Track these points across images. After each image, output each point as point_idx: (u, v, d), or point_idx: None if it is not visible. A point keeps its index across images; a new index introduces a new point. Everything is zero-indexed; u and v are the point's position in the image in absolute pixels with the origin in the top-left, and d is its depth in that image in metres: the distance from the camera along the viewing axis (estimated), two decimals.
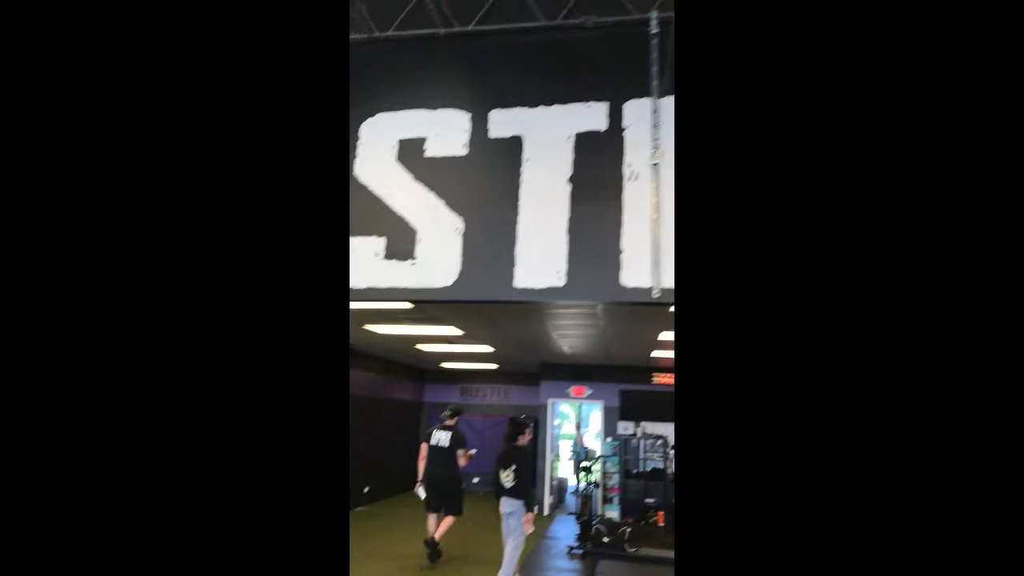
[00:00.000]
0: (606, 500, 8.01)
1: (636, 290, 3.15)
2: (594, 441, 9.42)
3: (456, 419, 5.58)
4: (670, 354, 7.22)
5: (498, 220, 3.36)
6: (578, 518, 6.43)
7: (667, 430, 8.55)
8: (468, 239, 3.37)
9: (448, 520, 5.26)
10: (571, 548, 6.10)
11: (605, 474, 8.08)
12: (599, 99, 3.39)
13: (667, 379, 8.64)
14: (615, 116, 3.36)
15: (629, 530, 4.86)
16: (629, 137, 3.32)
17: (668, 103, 3.28)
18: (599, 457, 8.15)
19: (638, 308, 3.72)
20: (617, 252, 3.20)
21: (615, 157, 3.31)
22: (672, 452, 8.21)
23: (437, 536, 5.19)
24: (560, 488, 9.37)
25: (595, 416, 9.63)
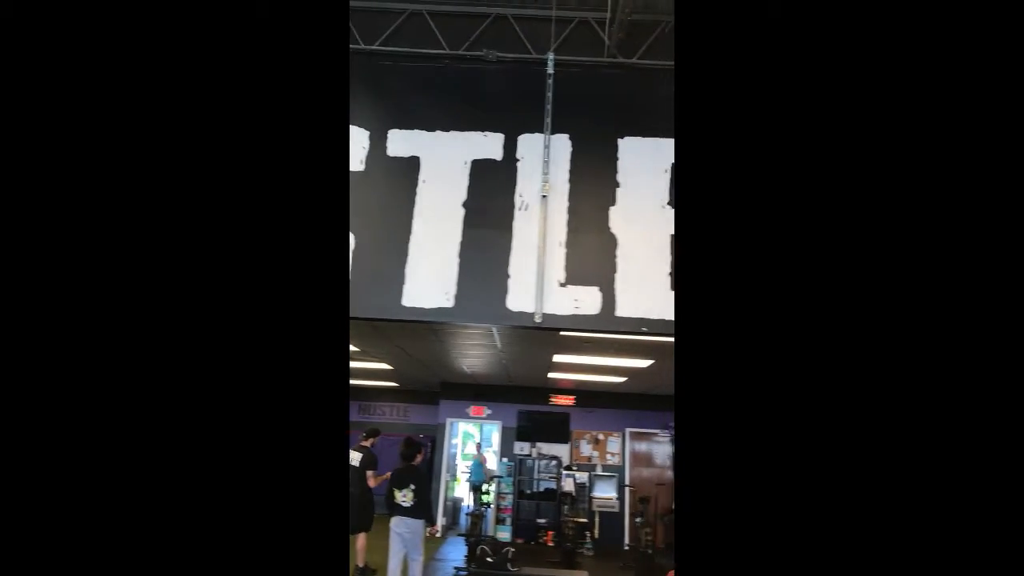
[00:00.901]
0: (499, 521, 8.07)
1: (521, 314, 3.27)
2: (495, 461, 9.49)
3: (372, 440, 5.54)
4: (566, 376, 7.48)
5: (390, 238, 3.38)
6: (467, 539, 6.42)
7: (562, 451, 8.79)
8: (359, 255, 3.35)
9: (362, 538, 5.16)
10: (457, 570, 6.08)
11: (499, 494, 8.15)
12: (496, 130, 3.53)
13: (563, 400, 8.92)
14: (510, 147, 3.52)
15: (513, 550, 4.94)
16: (522, 168, 3.48)
17: (558, 140, 3.48)
18: (494, 477, 8.22)
19: (532, 331, 3.86)
20: (505, 277, 3.32)
21: (508, 186, 3.45)
22: (564, 473, 8.45)
23: (361, 561, 5.09)
24: (455, 509, 9.31)
25: (496, 437, 9.72)
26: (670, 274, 3.27)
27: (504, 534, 7.77)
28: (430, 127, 3.51)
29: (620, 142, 3.50)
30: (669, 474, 9.19)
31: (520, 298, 3.28)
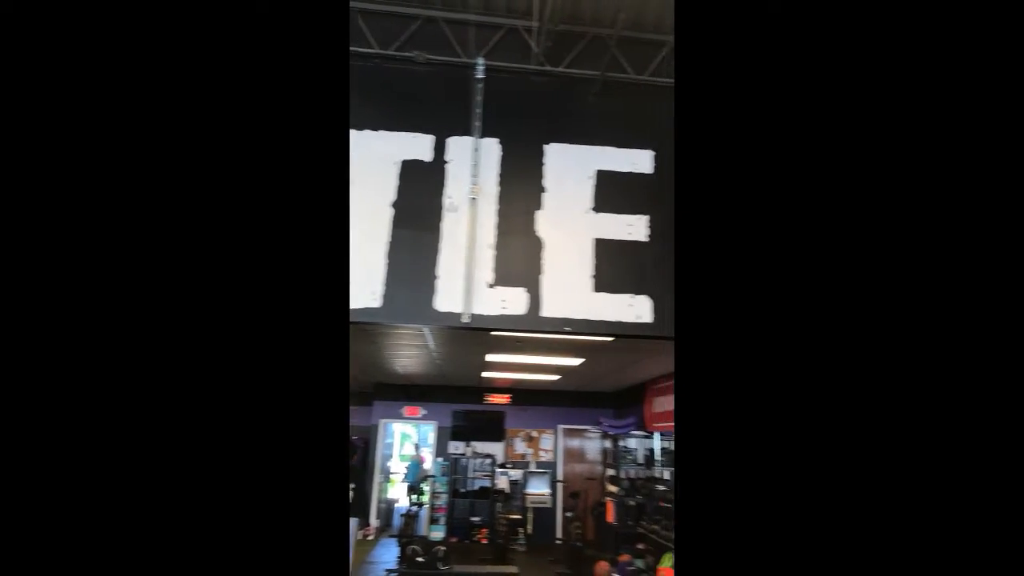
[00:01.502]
0: (433, 520, 8.06)
1: (449, 314, 3.31)
2: (431, 461, 9.45)
3: None
4: (501, 375, 7.57)
5: None
6: (399, 540, 6.39)
7: (497, 449, 8.88)
8: None
9: None
10: (388, 572, 6.03)
11: (434, 494, 8.14)
12: (425, 131, 3.55)
13: (499, 399, 9.01)
14: (439, 149, 3.55)
15: (444, 549, 4.96)
16: (451, 171, 3.52)
17: (488, 143, 3.55)
18: (429, 477, 8.20)
19: (464, 331, 3.89)
20: (432, 278, 3.35)
21: (436, 188, 3.48)
22: (498, 471, 8.55)
23: None
24: (388, 510, 9.21)
25: (431, 436, 9.68)
26: (592, 276, 3.41)
27: (438, 533, 7.77)
28: (359, 126, 3.49)
29: (547, 148, 3.60)
30: (599, 469, 9.48)
31: (448, 299, 3.32)
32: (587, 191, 3.56)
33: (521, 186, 3.52)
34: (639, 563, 7.18)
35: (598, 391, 9.78)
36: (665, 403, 7.56)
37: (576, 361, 6.54)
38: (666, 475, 8.33)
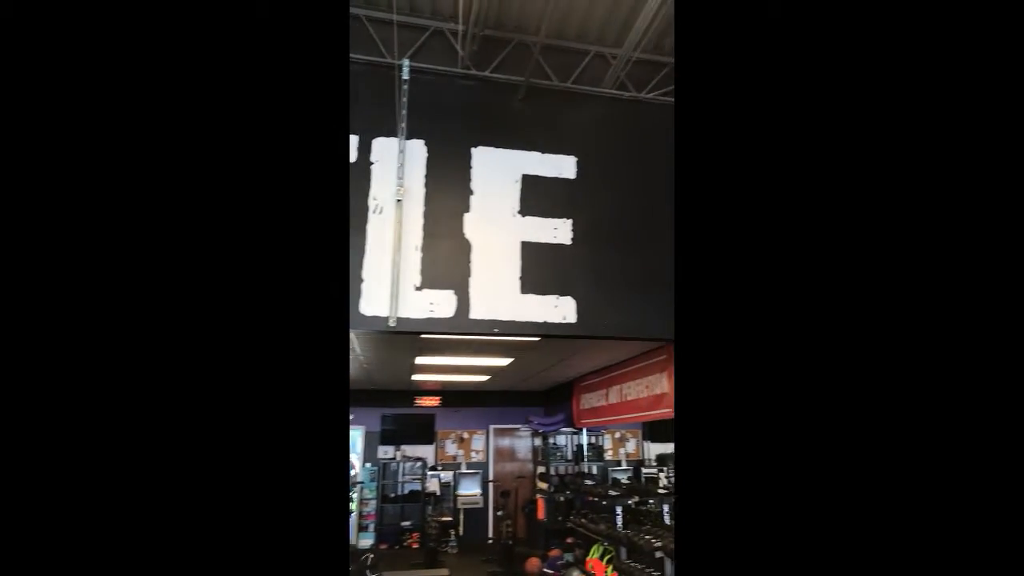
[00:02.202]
0: (362, 528, 7.88)
1: (375, 318, 3.27)
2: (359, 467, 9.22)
3: None
4: (430, 377, 7.52)
5: None
6: None
7: (427, 452, 8.81)
8: None
9: None
10: None
11: (363, 501, 7.95)
12: (350, 132, 3.48)
13: (429, 401, 8.94)
14: (364, 150, 3.49)
15: (372, 556, 4.87)
16: (376, 172, 3.47)
17: (414, 145, 3.53)
18: (357, 483, 8.00)
19: (391, 335, 3.84)
20: (358, 281, 3.29)
21: (362, 189, 3.42)
22: (429, 473, 8.48)
23: None
24: None
25: (360, 442, 9.44)
26: (520, 278, 3.48)
27: (366, 541, 7.61)
28: None
29: (474, 151, 3.64)
30: (529, 467, 9.62)
31: (374, 302, 3.28)
32: (513, 195, 3.63)
33: (448, 188, 3.53)
34: (568, 557, 7.37)
35: (528, 390, 9.92)
36: (592, 399, 7.80)
37: (505, 361, 6.62)
38: (593, 470, 8.60)
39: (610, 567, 6.07)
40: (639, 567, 5.13)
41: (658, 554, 4.89)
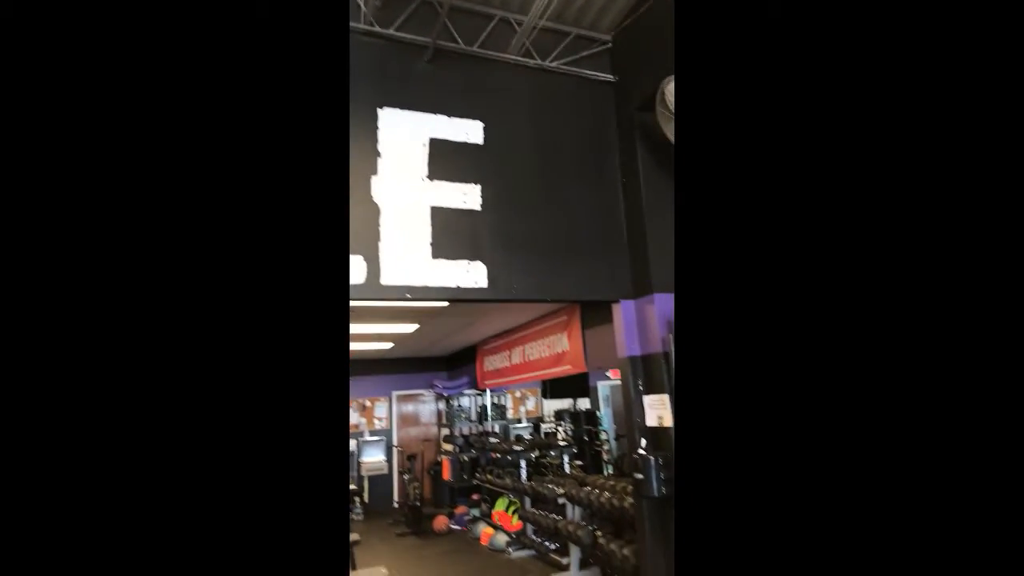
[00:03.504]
0: None
1: None
2: None
3: None
4: None
5: None
6: None
7: None
8: None
9: None
10: None
11: None
12: None
13: None
14: None
15: None
16: None
17: None
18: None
19: None
20: None
21: None
22: None
23: None
24: None
25: None
26: (431, 244, 3.49)
27: None
28: None
29: (380, 112, 3.54)
30: (434, 430, 9.78)
31: None
32: (422, 158, 3.60)
33: (355, 150, 3.42)
34: (475, 512, 7.68)
35: (431, 355, 9.98)
36: (495, 361, 8.04)
37: (411, 328, 6.61)
38: (496, 428, 8.93)
39: (515, 516, 6.44)
40: (543, 513, 5.50)
41: (561, 500, 5.28)
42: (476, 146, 3.79)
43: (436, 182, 3.59)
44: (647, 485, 3.48)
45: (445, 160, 3.65)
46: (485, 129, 3.84)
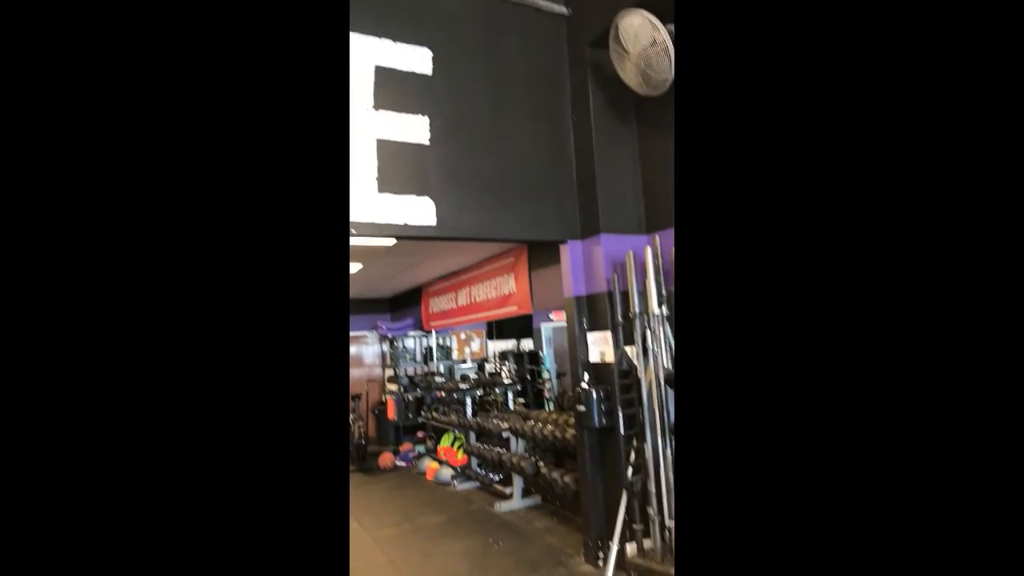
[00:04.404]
0: None
1: None
2: None
3: None
4: None
5: None
6: None
7: None
8: None
9: None
10: None
11: None
12: None
13: None
14: None
15: None
16: None
17: None
18: None
19: None
20: None
21: None
22: None
23: None
24: None
25: None
26: (376, 178, 3.37)
27: None
28: None
29: None
30: (379, 371, 9.79)
31: None
32: (367, 86, 3.41)
33: None
34: (420, 448, 7.86)
35: (375, 297, 9.85)
36: (441, 303, 8.04)
37: (355, 268, 6.46)
38: (441, 368, 9.04)
39: (460, 451, 6.65)
40: (488, 447, 5.70)
41: (505, 434, 5.48)
42: (424, 77, 3.62)
43: (382, 112, 3.42)
44: (589, 416, 3.65)
45: (392, 90, 3.48)
46: (434, 59, 3.66)
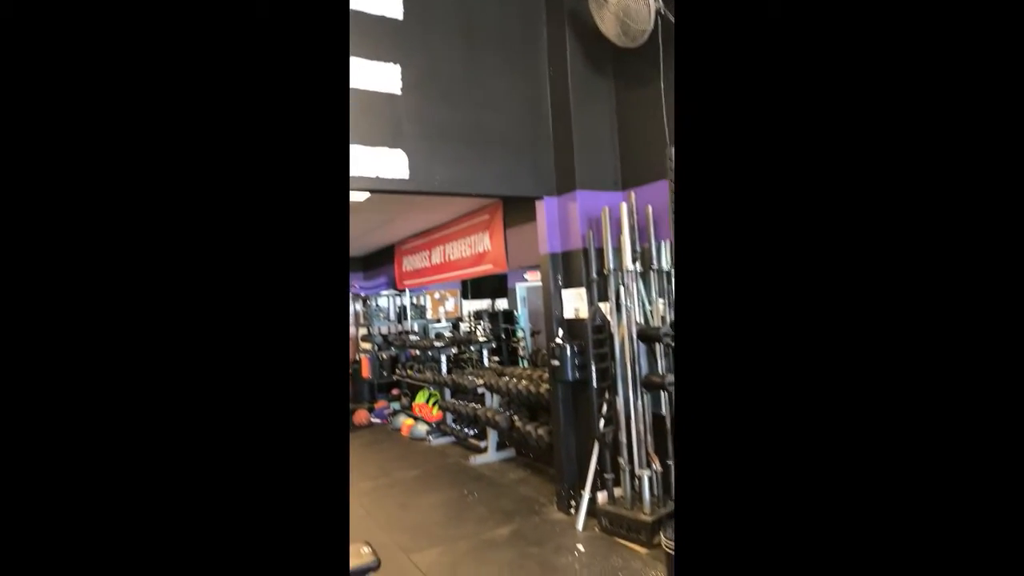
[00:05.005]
0: None
1: None
2: None
3: None
4: None
5: None
6: None
7: None
8: None
9: None
10: None
11: None
12: None
13: None
14: None
15: None
16: None
17: None
18: None
19: None
20: None
21: None
22: None
23: None
24: None
25: None
26: (349, 128, 3.25)
27: None
28: None
29: None
30: (352, 330, 9.74)
31: None
32: None
33: None
34: (395, 405, 7.92)
35: (351, 256, 9.68)
36: (415, 261, 7.97)
37: None
38: (415, 327, 9.05)
39: (435, 407, 6.73)
40: (463, 403, 5.77)
41: (480, 390, 5.55)
42: (395, 21, 3.47)
43: (353, 59, 3.28)
44: (563, 370, 3.72)
45: (362, 35, 3.33)
46: (405, 3, 3.50)
